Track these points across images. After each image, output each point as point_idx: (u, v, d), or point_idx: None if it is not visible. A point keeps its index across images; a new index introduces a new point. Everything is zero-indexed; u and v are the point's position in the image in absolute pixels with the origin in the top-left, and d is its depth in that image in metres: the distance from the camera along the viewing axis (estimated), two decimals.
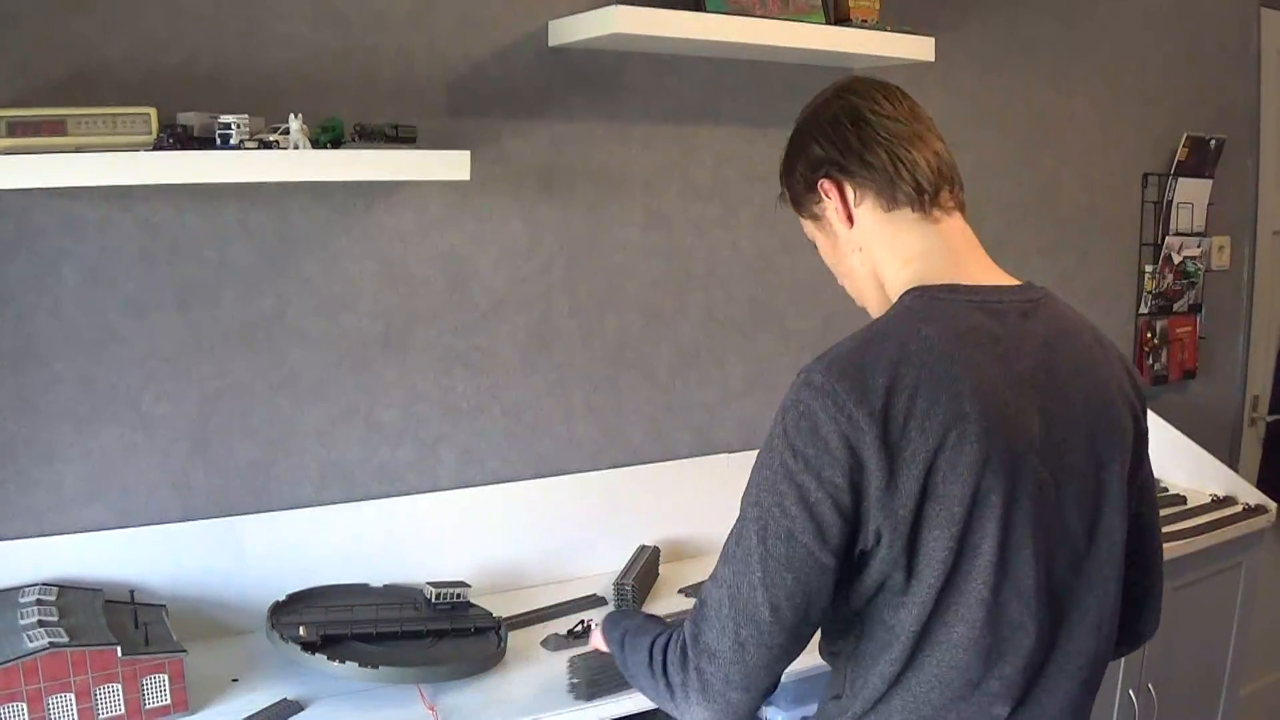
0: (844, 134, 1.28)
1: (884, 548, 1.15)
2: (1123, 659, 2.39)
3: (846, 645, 1.26)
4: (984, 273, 1.28)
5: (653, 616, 1.45)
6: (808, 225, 1.38)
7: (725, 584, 1.18)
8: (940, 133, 1.32)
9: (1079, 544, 1.24)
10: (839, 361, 1.16)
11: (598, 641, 1.50)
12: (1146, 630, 1.44)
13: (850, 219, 1.30)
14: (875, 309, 1.34)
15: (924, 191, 1.26)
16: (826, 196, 1.30)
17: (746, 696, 1.20)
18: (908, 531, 1.14)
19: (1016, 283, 1.29)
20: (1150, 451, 1.40)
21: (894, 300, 1.27)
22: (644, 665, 1.30)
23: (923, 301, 1.22)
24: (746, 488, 1.21)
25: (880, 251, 1.30)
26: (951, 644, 1.17)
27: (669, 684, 1.25)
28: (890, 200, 1.27)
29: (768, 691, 1.20)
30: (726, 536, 1.22)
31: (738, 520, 1.21)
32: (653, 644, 1.30)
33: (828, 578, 1.16)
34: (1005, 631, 1.18)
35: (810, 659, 1.87)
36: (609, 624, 1.45)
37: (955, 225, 1.29)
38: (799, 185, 1.34)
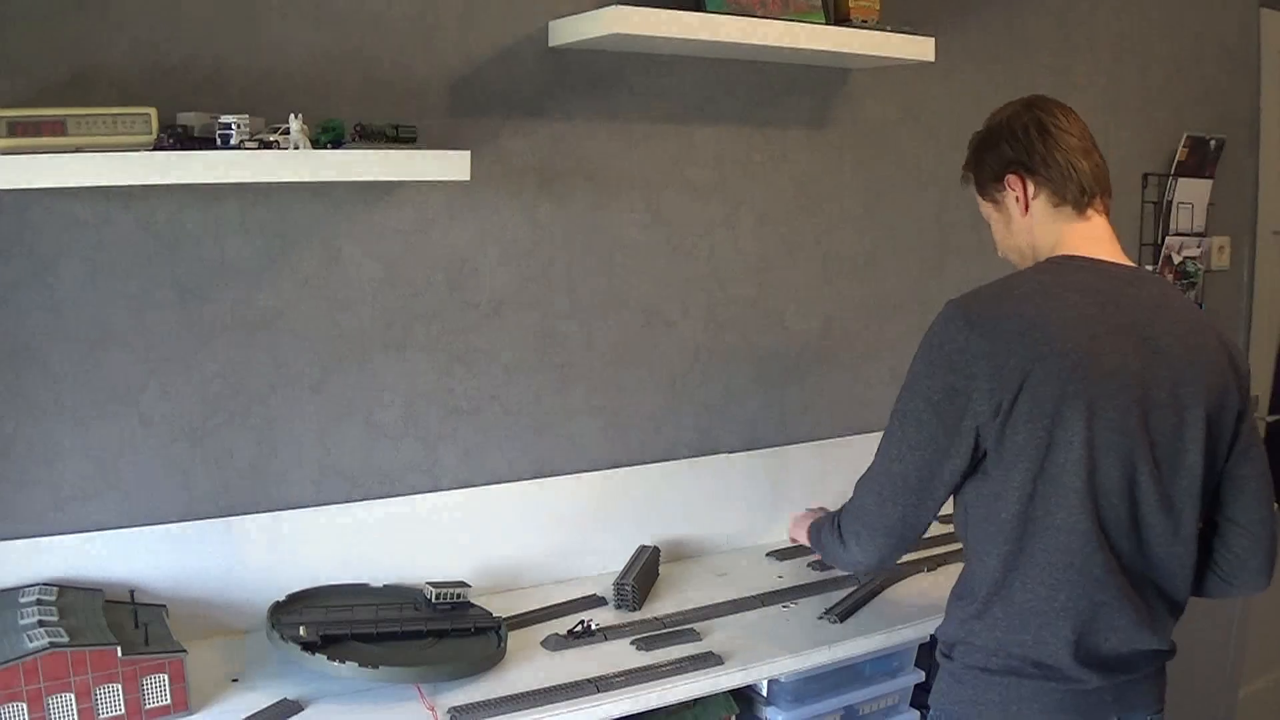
0: (1032, 141, 1.63)
1: (985, 442, 1.50)
2: None
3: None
4: (1112, 257, 1.62)
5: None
6: (986, 206, 1.74)
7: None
8: (1099, 148, 1.65)
9: (1163, 465, 1.51)
10: (980, 295, 1.56)
11: (798, 535, 1.97)
12: (1247, 578, 1.67)
13: (1027, 208, 1.65)
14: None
15: (1085, 193, 1.62)
16: (1010, 188, 1.66)
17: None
18: (1000, 428, 1.47)
19: (1134, 265, 1.65)
20: None
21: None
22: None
23: (1051, 264, 1.61)
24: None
25: (1041, 234, 1.65)
26: (1054, 529, 1.48)
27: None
28: (1059, 198, 1.62)
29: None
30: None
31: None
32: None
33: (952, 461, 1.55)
34: (1103, 519, 1.48)
35: (806, 660, 1.88)
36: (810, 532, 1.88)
37: (1100, 222, 1.65)
38: (986, 175, 1.70)
